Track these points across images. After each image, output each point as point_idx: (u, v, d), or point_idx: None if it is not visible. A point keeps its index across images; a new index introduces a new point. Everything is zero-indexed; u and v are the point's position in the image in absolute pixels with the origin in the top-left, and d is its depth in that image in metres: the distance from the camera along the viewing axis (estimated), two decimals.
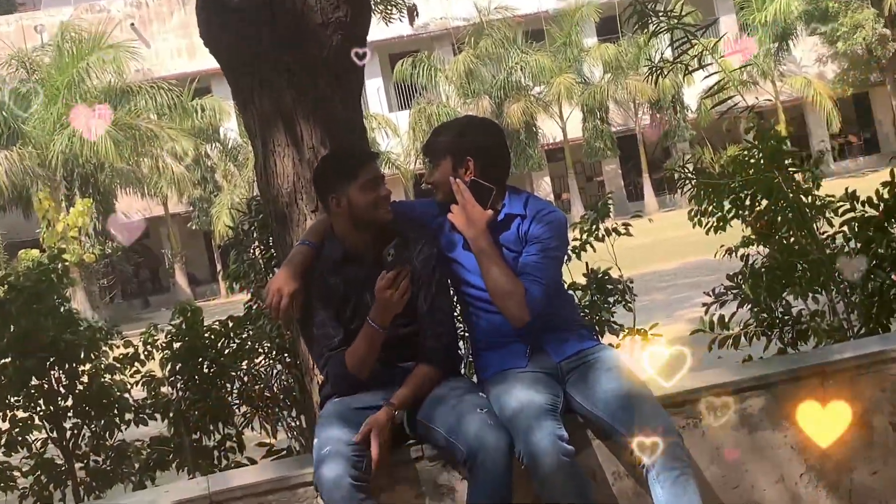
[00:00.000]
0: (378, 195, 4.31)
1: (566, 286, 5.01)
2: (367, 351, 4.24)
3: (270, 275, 7.13)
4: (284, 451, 6.98)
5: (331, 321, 4.34)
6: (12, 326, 7.17)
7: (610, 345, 6.82)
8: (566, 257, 5.35)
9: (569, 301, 4.75)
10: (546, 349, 4.36)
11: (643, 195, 50.75)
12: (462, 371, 4.74)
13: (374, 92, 49.63)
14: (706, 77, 6.88)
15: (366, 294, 4.28)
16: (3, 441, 7.29)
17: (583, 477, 4.06)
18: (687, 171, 6.75)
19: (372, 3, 6.00)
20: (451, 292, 4.53)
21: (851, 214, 6.20)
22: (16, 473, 7.36)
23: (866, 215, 6.15)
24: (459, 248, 4.41)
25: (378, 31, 7.81)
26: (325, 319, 4.35)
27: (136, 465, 7.33)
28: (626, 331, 6.92)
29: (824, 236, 6.30)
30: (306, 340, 4.65)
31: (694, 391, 4.43)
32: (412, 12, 11.09)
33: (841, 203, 6.25)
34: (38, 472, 7.31)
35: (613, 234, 7.01)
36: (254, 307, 7.27)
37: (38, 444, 7.43)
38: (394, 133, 45.99)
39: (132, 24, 48.85)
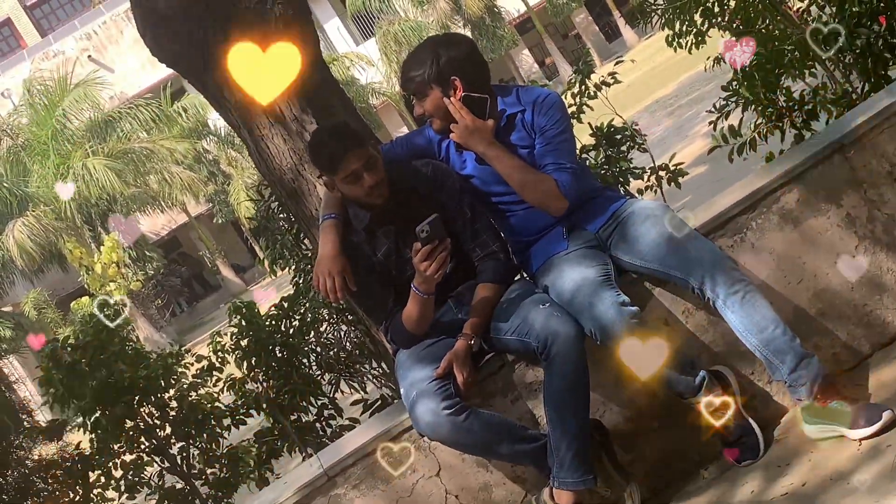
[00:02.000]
0: (362, 188, 4.15)
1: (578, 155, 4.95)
2: (420, 314, 4.15)
3: (301, 247, 7.15)
4: (379, 401, 7.05)
5: (379, 286, 4.28)
6: (91, 382, 7.26)
7: (638, 190, 6.83)
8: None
9: (585, 170, 4.71)
10: (580, 224, 4.33)
11: (620, 32, 50.36)
12: None
13: (336, 32, 49.29)
14: None
15: (403, 248, 4.21)
16: (122, 488, 7.43)
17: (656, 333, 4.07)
18: (650, 3, 6.68)
19: None
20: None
21: None
22: None
23: None
24: (472, 163, 4.36)
25: None
26: (373, 287, 4.29)
27: (251, 463, 7.45)
28: (649, 171, 6.90)
29: (799, 13, 6.22)
30: (363, 310, 4.57)
31: (731, 208, 4.39)
32: None
33: None
34: (166, 502, 7.45)
35: (603, 87, 6.95)
36: (300, 282, 7.31)
37: (156, 478, 7.57)
38: (368, 64, 45.68)
39: (89, 57, 48.68)
